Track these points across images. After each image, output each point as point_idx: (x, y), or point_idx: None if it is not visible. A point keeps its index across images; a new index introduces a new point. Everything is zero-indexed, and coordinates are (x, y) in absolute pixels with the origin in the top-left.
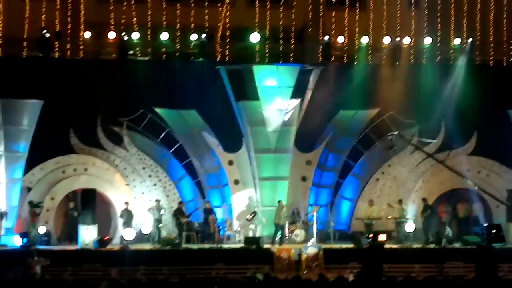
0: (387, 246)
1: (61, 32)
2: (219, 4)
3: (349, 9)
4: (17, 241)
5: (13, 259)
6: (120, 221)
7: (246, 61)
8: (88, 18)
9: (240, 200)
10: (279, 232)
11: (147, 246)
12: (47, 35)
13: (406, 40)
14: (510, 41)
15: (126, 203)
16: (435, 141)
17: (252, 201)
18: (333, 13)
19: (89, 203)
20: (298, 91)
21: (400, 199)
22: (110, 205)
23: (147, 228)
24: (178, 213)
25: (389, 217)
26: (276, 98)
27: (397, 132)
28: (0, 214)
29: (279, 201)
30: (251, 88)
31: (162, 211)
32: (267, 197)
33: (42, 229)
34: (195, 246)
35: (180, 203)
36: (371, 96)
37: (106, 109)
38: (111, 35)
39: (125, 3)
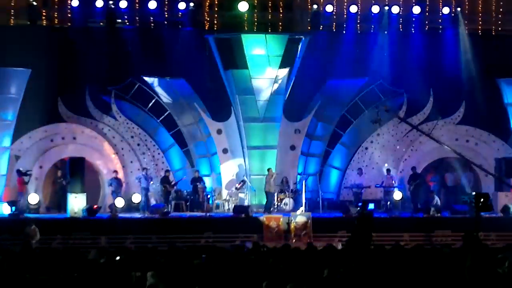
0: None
1: (49, 0)
2: None
3: None
4: (5, 210)
5: (2, 227)
6: (109, 190)
7: (234, 30)
8: None
9: (229, 169)
10: (270, 200)
11: (136, 215)
12: (35, 3)
13: (395, 9)
14: (499, 10)
15: (115, 171)
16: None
17: (241, 170)
18: None
19: (78, 171)
20: (287, 60)
21: (388, 168)
22: (98, 174)
23: (138, 197)
24: (164, 182)
25: (377, 185)
26: (265, 67)
27: (384, 105)
28: None
29: (269, 169)
30: (240, 57)
31: (151, 181)
32: (256, 166)
33: (33, 198)
34: (184, 215)
35: (167, 171)
36: (360, 65)
37: (95, 78)
38: (99, 3)
39: None
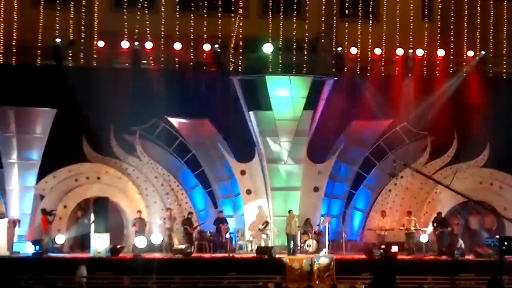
0: (399, 257)
1: (75, 41)
2: (232, 14)
3: (362, 21)
4: (29, 249)
5: (26, 266)
6: (133, 230)
7: (259, 72)
8: (102, 27)
9: (252, 210)
10: (292, 242)
11: (159, 255)
12: (61, 43)
13: (419, 52)
14: None
15: (139, 211)
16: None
17: (264, 211)
18: (346, 24)
19: (102, 211)
20: (311, 102)
21: (409, 210)
22: (122, 214)
23: (159, 237)
24: (186, 223)
25: (401, 228)
26: (289, 109)
27: (401, 161)
28: (13, 222)
29: (290, 211)
30: (264, 98)
31: (175, 222)
32: (279, 207)
33: (60, 238)
34: (206, 255)
35: (190, 213)
36: (384, 107)
37: (119, 118)
38: (125, 44)
39: (138, 12)
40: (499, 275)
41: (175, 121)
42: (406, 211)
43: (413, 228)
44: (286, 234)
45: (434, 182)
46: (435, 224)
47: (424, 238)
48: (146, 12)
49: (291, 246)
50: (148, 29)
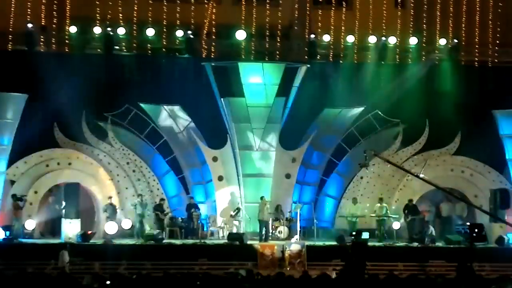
0: (370, 244)
1: (47, 26)
2: (205, 0)
3: (335, 8)
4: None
5: None
6: (104, 216)
7: (231, 58)
8: (74, 13)
9: (224, 196)
10: (264, 229)
11: (130, 241)
12: (33, 29)
13: (392, 40)
14: (496, 42)
15: (110, 197)
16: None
17: (235, 198)
18: (319, 12)
19: (73, 197)
20: (283, 89)
21: (380, 197)
22: (93, 199)
23: (129, 223)
24: (157, 209)
25: (372, 215)
26: (262, 95)
27: (372, 150)
28: None
29: (262, 197)
30: (236, 85)
31: (146, 208)
32: (251, 194)
33: (30, 224)
34: (178, 242)
35: (162, 199)
36: (356, 95)
37: (91, 104)
38: (97, 29)
39: None
40: (469, 261)
41: (147, 107)
42: (377, 198)
43: (384, 215)
44: (258, 220)
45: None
46: (406, 211)
47: (395, 225)
48: None
49: (263, 232)
50: (120, 14)
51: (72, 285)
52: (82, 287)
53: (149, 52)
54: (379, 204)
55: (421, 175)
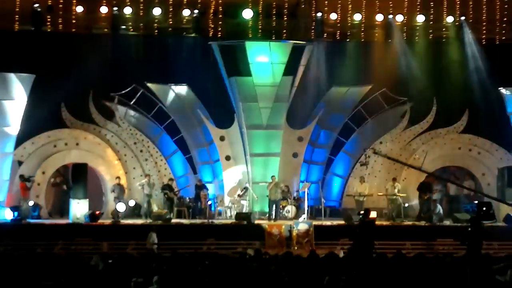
0: (378, 223)
1: (53, 6)
2: None
3: None
4: (8, 215)
5: (4, 232)
6: (112, 196)
7: (238, 37)
8: None
9: (231, 176)
10: (273, 208)
11: (138, 221)
12: (39, 9)
13: (399, 18)
14: (503, 19)
15: (118, 177)
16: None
17: (243, 177)
18: None
19: (81, 177)
20: (290, 68)
21: (394, 177)
22: (101, 180)
23: (132, 202)
24: (166, 188)
25: (380, 194)
26: (269, 74)
27: (371, 148)
28: None
29: (272, 176)
30: (244, 64)
31: (153, 187)
32: (259, 173)
33: (30, 203)
34: (186, 221)
35: (170, 179)
36: (363, 73)
37: (98, 84)
38: (103, 9)
39: None
40: (476, 240)
41: (154, 86)
42: (384, 177)
43: (395, 196)
44: (268, 199)
45: (412, 148)
46: (420, 189)
47: (407, 204)
48: None
49: (273, 212)
50: None
51: (80, 265)
52: (90, 267)
53: (156, 31)
54: (392, 183)
55: (423, 168)
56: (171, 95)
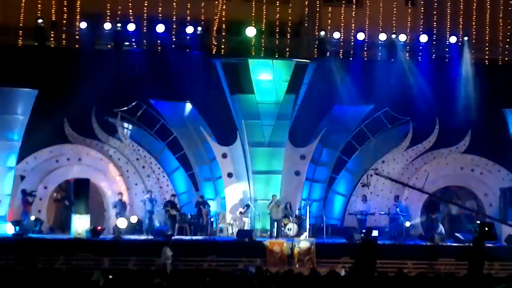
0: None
1: (57, 22)
2: None
3: (346, 5)
4: (9, 229)
5: (6, 247)
6: (113, 212)
7: (241, 55)
8: (84, 8)
9: (233, 193)
10: (275, 226)
11: (140, 237)
12: (43, 24)
13: (402, 37)
14: (506, 40)
15: (120, 193)
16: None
17: (245, 194)
18: (330, 9)
19: (82, 192)
20: (293, 86)
21: (396, 195)
22: (103, 195)
23: (134, 218)
24: (168, 205)
25: (382, 213)
26: (271, 92)
27: (374, 169)
28: None
29: (273, 195)
30: (246, 81)
31: (155, 204)
32: (261, 191)
33: (32, 217)
34: (187, 238)
35: (173, 195)
36: (366, 92)
37: (101, 100)
38: (107, 25)
39: None
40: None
41: (157, 103)
42: (386, 196)
43: (399, 213)
44: (270, 218)
45: (414, 167)
46: (426, 209)
47: (407, 224)
48: None
49: (274, 229)
50: (130, 10)
51: (81, 281)
52: (91, 283)
53: (159, 48)
54: (394, 202)
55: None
56: (173, 112)
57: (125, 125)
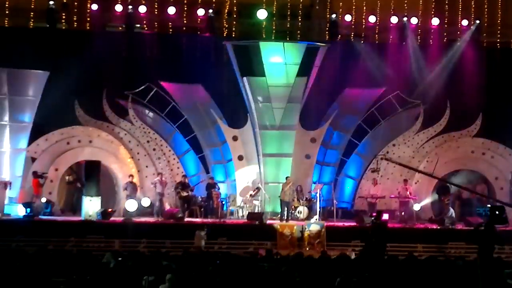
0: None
1: (68, 4)
2: None
3: None
4: (20, 211)
5: (17, 229)
6: (124, 194)
7: (252, 37)
8: None
9: (243, 175)
10: (285, 208)
11: (150, 219)
12: (54, 6)
13: (414, 20)
14: None
15: (131, 175)
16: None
17: (255, 177)
18: None
19: (93, 175)
20: (304, 69)
21: (405, 179)
22: (114, 178)
23: (146, 201)
24: (179, 187)
25: (392, 196)
26: (282, 75)
27: (382, 154)
28: (4, 184)
29: (287, 177)
30: (257, 64)
31: (166, 186)
32: (271, 174)
33: (43, 199)
34: (198, 220)
35: (183, 176)
36: (377, 75)
37: (112, 82)
38: (118, 7)
39: None
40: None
41: (168, 85)
42: (397, 179)
43: (409, 196)
44: (280, 200)
45: (424, 152)
46: (438, 192)
47: (416, 207)
48: None
49: (285, 212)
50: None
51: (92, 263)
52: (102, 265)
53: (170, 30)
54: (404, 186)
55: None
56: (184, 94)
57: (136, 107)
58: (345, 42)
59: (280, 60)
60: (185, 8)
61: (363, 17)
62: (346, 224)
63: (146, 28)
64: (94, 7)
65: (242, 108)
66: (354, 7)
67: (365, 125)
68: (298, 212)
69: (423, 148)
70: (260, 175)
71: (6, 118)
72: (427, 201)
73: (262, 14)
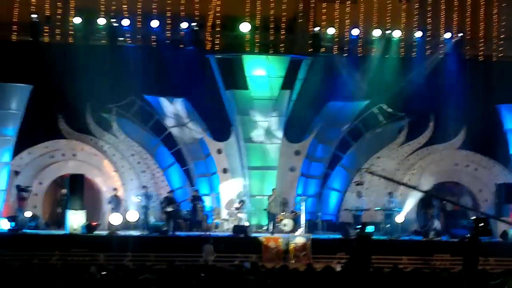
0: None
1: (51, 17)
2: None
3: (340, 1)
4: (4, 225)
5: (1, 243)
6: (108, 207)
7: (236, 50)
8: (78, 4)
9: (228, 188)
10: (272, 221)
11: (135, 233)
12: (37, 19)
13: (397, 33)
14: (500, 37)
15: (115, 189)
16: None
17: (240, 190)
18: (324, 4)
19: (77, 188)
20: (287, 82)
21: (390, 191)
22: (98, 191)
23: (134, 214)
24: (165, 201)
25: (377, 208)
26: (266, 88)
27: (367, 167)
28: None
29: (273, 189)
30: (241, 77)
31: (151, 199)
32: (256, 186)
33: (28, 213)
34: (183, 234)
35: (170, 192)
36: (361, 88)
37: (96, 95)
38: (101, 21)
39: None
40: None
41: (151, 99)
42: (381, 191)
43: (393, 209)
44: (267, 212)
45: (409, 164)
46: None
47: (399, 219)
48: None
49: (271, 224)
50: (125, 6)
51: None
52: (86, 278)
53: (154, 43)
54: (388, 198)
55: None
56: (168, 108)
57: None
58: (329, 55)
59: (263, 73)
60: (169, 21)
61: (346, 30)
62: (331, 236)
63: (129, 42)
64: (77, 20)
65: (226, 121)
66: (337, 20)
67: (349, 138)
68: (283, 224)
69: (408, 160)
70: (245, 188)
71: None
72: (411, 213)
73: (245, 27)
